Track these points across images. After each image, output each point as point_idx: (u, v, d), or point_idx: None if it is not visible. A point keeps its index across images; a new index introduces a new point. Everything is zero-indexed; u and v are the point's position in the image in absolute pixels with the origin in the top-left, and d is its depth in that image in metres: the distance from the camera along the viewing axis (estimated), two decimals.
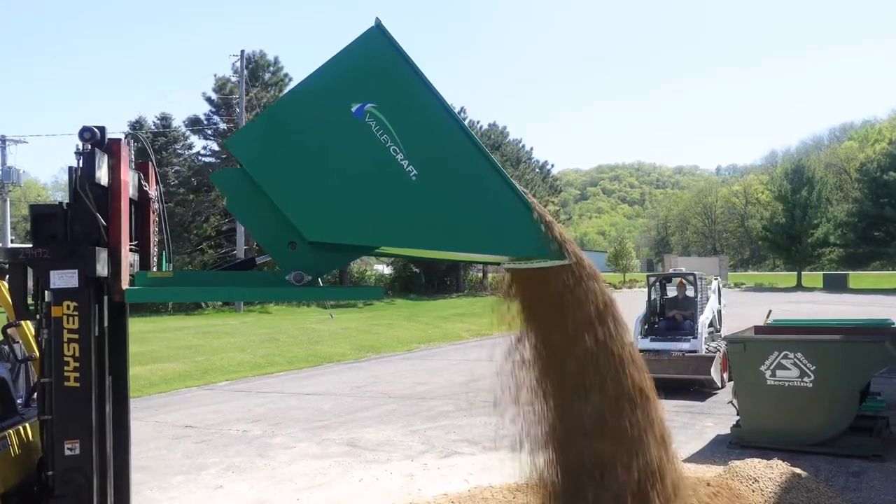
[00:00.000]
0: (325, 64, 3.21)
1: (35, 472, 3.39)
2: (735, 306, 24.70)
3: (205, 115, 36.39)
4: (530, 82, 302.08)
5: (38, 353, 3.41)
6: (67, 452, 3.25)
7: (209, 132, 36.59)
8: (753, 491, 4.46)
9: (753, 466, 5.04)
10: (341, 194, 3.23)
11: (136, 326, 24.43)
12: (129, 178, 3.53)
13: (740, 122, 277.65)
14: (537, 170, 50.73)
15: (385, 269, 46.15)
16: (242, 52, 32.50)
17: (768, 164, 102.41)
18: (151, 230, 3.91)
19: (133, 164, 3.75)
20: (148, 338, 20.76)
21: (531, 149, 50.42)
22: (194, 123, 36.33)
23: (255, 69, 35.78)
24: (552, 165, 54.35)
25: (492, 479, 5.99)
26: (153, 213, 3.93)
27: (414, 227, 3.27)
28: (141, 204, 3.86)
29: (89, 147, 3.26)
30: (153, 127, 35.40)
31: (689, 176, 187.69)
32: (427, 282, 42.07)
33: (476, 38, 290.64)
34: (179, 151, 37.08)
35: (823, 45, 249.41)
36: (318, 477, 6.54)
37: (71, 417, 3.25)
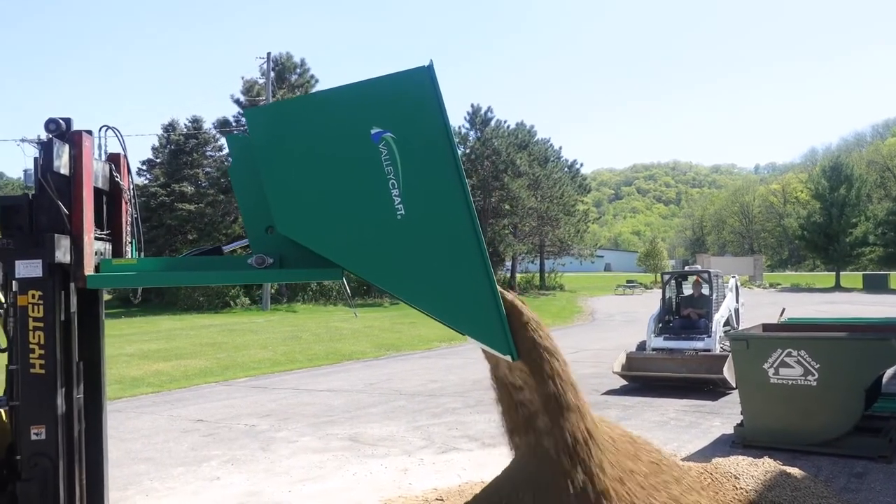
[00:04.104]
0: (367, 80, 3.35)
1: (5, 457, 3.48)
2: (765, 307, 24.22)
3: (233, 116, 36.98)
4: (564, 82, 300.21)
5: (5, 343, 3.51)
6: (34, 437, 3.33)
7: (237, 133, 37.20)
8: (734, 488, 4.35)
9: (736, 464, 4.92)
10: (326, 202, 3.34)
11: (165, 324, 25.06)
12: (94, 168, 3.61)
13: (780, 120, 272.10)
14: (566, 169, 50.32)
15: None
16: (269, 54, 32.94)
17: (808, 162, 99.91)
18: (125, 220, 3.99)
19: (103, 155, 3.85)
20: (175, 335, 21.21)
21: (560, 148, 50.24)
22: (223, 125, 36.94)
23: (282, 71, 36.25)
24: (581, 164, 53.98)
25: (484, 475, 5.94)
26: (126, 203, 4.02)
27: (381, 262, 3.36)
28: (113, 195, 3.95)
29: (49, 137, 3.35)
30: (185, 129, 36.08)
31: (726, 175, 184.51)
32: None
33: (510, 37, 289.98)
34: (210, 153, 37.72)
35: (867, 43, 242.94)
36: (313, 470, 6.59)
37: (36, 403, 3.34)
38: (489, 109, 45.11)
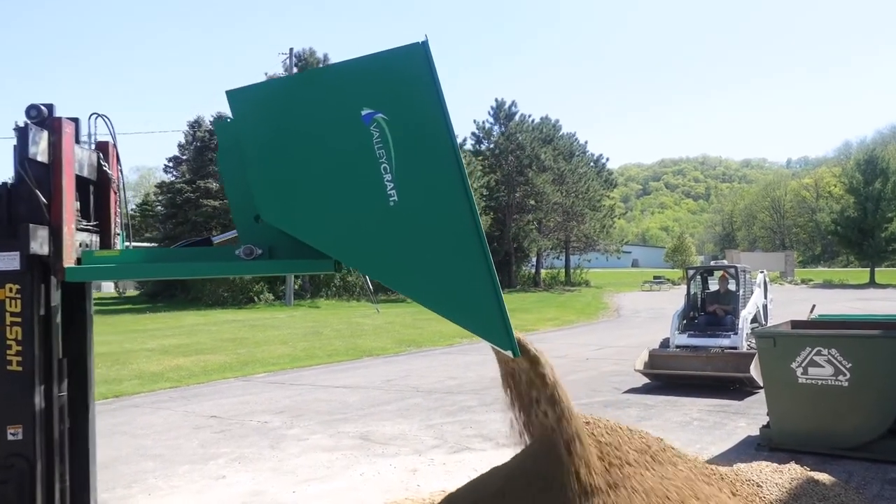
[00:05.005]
0: (358, 58, 3.13)
1: None
2: (796, 303, 23.59)
3: None
4: (593, 77, 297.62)
5: None
6: (10, 437, 3.19)
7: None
8: (755, 501, 4.05)
9: (759, 470, 4.62)
10: (313, 188, 3.14)
11: (189, 319, 25.20)
12: (77, 156, 3.45)
13: (813, 114, 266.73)
14: (592, 163, 49.72)
15: None
16: (291, 49, 32.99)
17: (841, 156, 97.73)
18: (113, 211, 3.84)
19: (91, 143, 3.70)
20: (197, 330, 21.30)
21: (585, 142, 49.59)
22: None
23: (305, 66, 36.23)
24: (607, 159, 53.30)
25: None
26: (114, 193, 3.86)
27: (373, 252, 3.14)
28: (101, 184, 3.80)
29: (26, 123, 3.20)
30: (209, 126, 36.28)
31: (757, 169, 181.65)
32: None
33: (538, 33, 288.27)
34: None
35: None
36: (320, 470, 6.42)
37: (13, 402, 3.19)
38: (513, 104, 44.79)
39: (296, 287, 32.32)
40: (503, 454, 6.54)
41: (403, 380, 12.17)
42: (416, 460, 6.64)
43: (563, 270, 48.82)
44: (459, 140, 41.25)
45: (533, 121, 44.97)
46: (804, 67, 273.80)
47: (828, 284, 49.33)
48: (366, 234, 3.13)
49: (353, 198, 3.12)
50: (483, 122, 45.15)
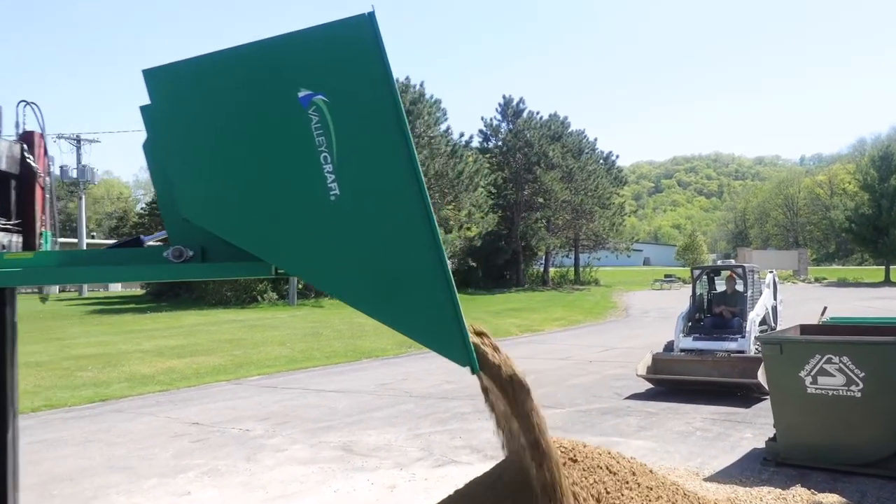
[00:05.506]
0: (294, 32, 2.69)
1: None
2: (809, 302, 23.00)
3: None
4: (603, 75, 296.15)
5: None
6: None
7: None
8: None
9: (760, 498, 4.17)
10: (240, 180, 2.71)
11: (189, 319, 24.90)
12: None
13: (827, 110, 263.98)
14: (601, 161, 49.08)
15: None
16: None
17: (856, 153, 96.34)
18: (39, 207, 3.45)
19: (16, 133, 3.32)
20: (196, 330, 20.97)
21: (595, 139, 48.90)
22: None
23: None
24: (617, 156, 52.60)
25: None
26: (41, 188, 3.47)
27: (311, 255, 2.71)
28: (25, 179, 3.41)
29: None
30: None
31: (770, 166, 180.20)
32: (485, 276, 41.29)
33: (548, 31, 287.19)
34: None
35: None
36: (293, 485, 6.02)
37: None
38: (521, 100, 44.20)
39: (300, 286, 31.99)
40: (489, 468, 6.14)
41: (399, 384, 11.77)
42: (396, 475, 6.22)
43: (573, 269, 48.23)
44: (466, 137, 40.80)
45: (541, 118, 44.39)
46: (818, 63, 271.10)
47: (842, 283, 48.51)
48: (302, 233, 2.71)
49: (287, 192, 2.69)
50: (490, 120, 44.65)
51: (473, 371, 2.86)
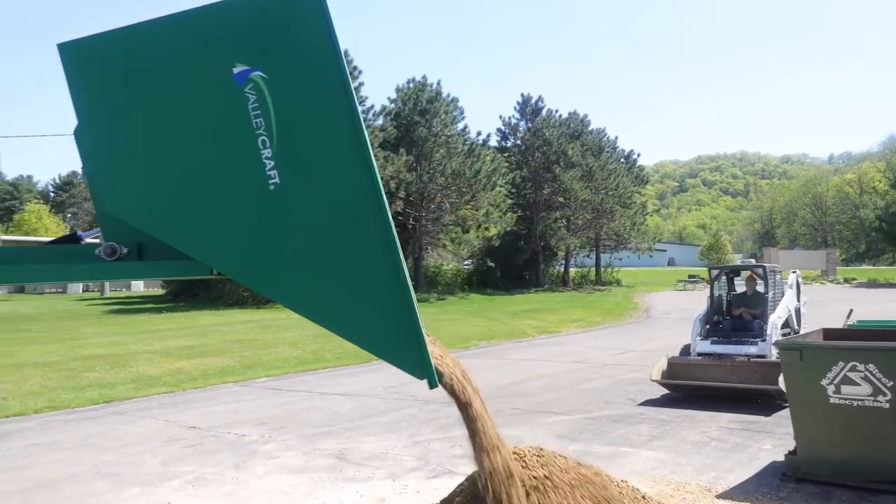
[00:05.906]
0: (226, 1, 2.37)
1: None
2: (837, 304, 22.27)
3: None
4: (628, 73, 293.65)
5: None
6: None
7: None
8: None
9: None
10: (166, 167, 2.40)
11: (204, 319, 24.80)
12: None
13: (856, 107, 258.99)
14: (622, 160, 48.34)
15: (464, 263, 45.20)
16: None
17: (886, 150, 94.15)
18: None
19: None
20: (209, 331, 20.85)
21: (615, 138, 48.17)
22: None
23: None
24: (638, 155, 51.77)
25: None
26: None
27: (248, 253, 2.38)
28: None
29: None
30: None
31: (797, 165, 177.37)
32: (504, 276, 40.84)
33: (572, 30, 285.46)
34: None
35: None
36: (278, 496, 5.71)
37: None
38: (540, 98, 43.65)
39: None
40: None
41: (405, 386, 11.43)
42: (387, 487, 5.88)
43: (594, 269, 47.56)
44: (483, 136, 40.32)
45: (560, 116, 43.79)
46: (847, 60, 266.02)
47: (872, 283, 47.25)
48: (237, 227, 2.38)
49: (220, 180, 2.37)
50: (509, 118, 44.13)
51: (432, 386, 2.52)
